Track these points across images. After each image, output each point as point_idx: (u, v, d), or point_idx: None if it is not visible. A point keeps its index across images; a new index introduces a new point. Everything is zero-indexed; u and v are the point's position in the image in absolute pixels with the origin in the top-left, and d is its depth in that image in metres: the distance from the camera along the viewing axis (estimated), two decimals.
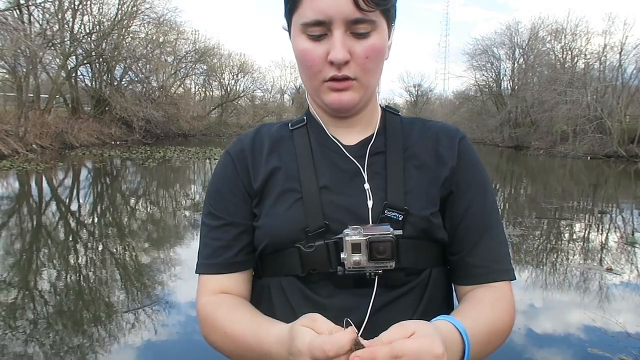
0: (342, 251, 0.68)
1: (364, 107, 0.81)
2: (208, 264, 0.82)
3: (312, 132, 0.84)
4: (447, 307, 0.83)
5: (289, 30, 0.78)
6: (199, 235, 0.86)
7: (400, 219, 0.74)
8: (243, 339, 0.72)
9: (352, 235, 0.67)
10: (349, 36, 0.71)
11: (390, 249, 0.67)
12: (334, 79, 0.73)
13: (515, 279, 0.80)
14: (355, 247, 0.67)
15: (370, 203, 0.75)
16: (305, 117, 0.86)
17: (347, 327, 0.57)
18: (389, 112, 0.87)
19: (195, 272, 0.83)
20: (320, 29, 0.71)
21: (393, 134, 0.83)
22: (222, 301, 0.78)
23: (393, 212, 0.74)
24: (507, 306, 0.76)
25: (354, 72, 0.73)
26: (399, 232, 0.69)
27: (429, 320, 0.80)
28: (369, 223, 0.73)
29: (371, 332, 0.73)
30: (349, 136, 0.83)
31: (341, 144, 0.82)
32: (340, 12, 0.69)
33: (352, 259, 0.67)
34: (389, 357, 0.52)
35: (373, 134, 0.83)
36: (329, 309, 0.74)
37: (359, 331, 0.73)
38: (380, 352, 0.52)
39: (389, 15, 0.75)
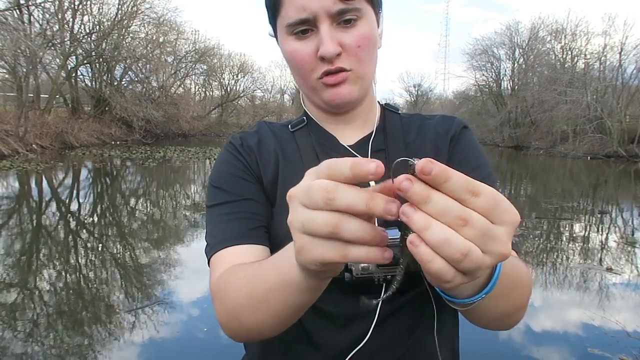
0: None
1: (361, 100, 0.79)
2: (224, 239, 0.72)
3: (312, 132, 0.82)
4: (454, 311, 0.82)
5: (276, 36, 0.77)
6: (205, 224, 0.78)
7: None
8: (262, 268, 0.60)
9: None
10: (336, 28, 0.69)
11: (400, 254, 0.65)
12: (328, 74, 0.71)
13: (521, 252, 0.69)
14: None
15: None
16: (304, 118, 0.84)
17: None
18: (388, 110, 0.86)
19: (208, 255, 0.73)
20: (305, 27, 0.69)
21: (393, 131, 0.82)
22: (240, 264, 0.67)
23: None
24: (524, 264, 0.67)
25: (347, 64, 0.71)
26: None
27: (438, 324, 0.78)
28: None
29: (378, 340, 0.72)
30: (348, 133, 0.81)
31: (342, 142, 0.80)
32: (322, 5, 0.67)
33: (360, 265, 0.63)
34: (465, 188, 0.38)
35: (372, 132, 0.81)
36: (335, 318, 0.72)
37: (364, 339, 0.70)
38: (457, 174, 0.38)
39: (374, 2, 0.73)
